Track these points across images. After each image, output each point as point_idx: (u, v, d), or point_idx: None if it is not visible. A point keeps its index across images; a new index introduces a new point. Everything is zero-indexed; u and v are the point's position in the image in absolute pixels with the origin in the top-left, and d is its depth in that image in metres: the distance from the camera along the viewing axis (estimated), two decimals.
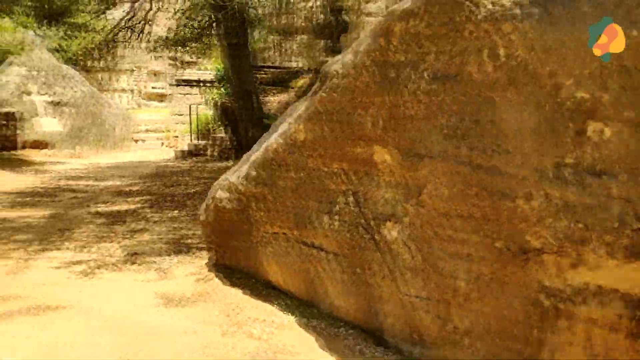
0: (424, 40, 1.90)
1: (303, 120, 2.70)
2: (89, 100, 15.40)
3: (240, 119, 8.40)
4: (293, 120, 2.81)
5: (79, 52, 23.37)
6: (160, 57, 23.91)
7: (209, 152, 14.21)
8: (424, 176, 2.16)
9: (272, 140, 3.11)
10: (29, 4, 16.99)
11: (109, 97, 18.57)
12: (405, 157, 2.21)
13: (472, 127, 1.86)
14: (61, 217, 7.00)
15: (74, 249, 5.51)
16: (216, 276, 4.65)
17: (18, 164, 11.42)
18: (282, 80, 10.72)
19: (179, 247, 5.74)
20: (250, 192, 3.59)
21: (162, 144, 16.98)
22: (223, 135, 14.35)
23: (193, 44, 9.40)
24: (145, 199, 8.35)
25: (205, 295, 4.31)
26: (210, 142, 14.23)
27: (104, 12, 24.83)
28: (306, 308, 3.79)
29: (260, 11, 9.47)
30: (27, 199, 8.14)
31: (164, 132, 17.67)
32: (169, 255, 5.44)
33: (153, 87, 24.00)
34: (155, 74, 24.02)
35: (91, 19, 23.58)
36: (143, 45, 10.63)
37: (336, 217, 3.01)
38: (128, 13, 9.53)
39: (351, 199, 2.86)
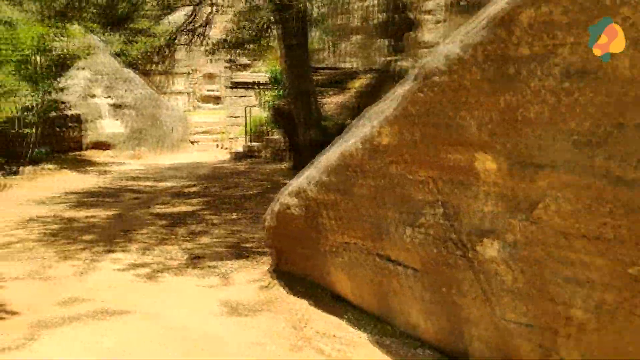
0: (558, 29, 1.61)
1: (389, 123, 2.46)
2: (149, 103, 15.86)
3: (298, 120, 8.24)
4: (376, 124, 2.57)
5: (139, 56, 24.34)
6: (216, 60, 24.43)
7: (263, 154, 14.25)
8: (540, 189, 1.85)
9: (349, 144, 2.88)
10: (94, 10, 17.82)
11: (166, 100, 19.11)
12: (516, 167, 1.92)
13: (612, 133, 1.55)
14: (124, 218, 7.12)
15: (137, 251, 5.53)
16: (279, 284, 4.49)
17: (83, 165, 11.88)
18: (338, 81, 10.51)
19: (240, 252, 5.64)
20: (321, 198, 3.38)
21: (217, 145, 17.23)
22: (277, 137, 14.35)
23: (251, 46, 9.38)
24: (203, 200, 8.39)
25: (269, 304, 4.15)
26: (264, 143, 14.26)
27: (162, 18, 25.72)
28: (378, 324, 3.54)
29: (319, 11, 9.30)
30: (92, 199, 8.37)
31: (219, 133, 17.94)
32: (229, 259, 5.35)
33: (208, 90, 24.54)
34: (210, 77, 24.54)
35: (151, 24, 24.55)
36: (202, 48, 10.69)
37: (420, 229, 2.74)
38: (190, 16, 9.61)
39: (440, 210, 2.58)
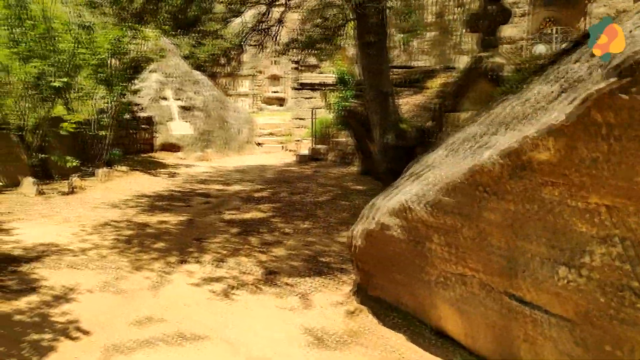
0: None
1: (554, 133, 1.86)
2: (216, 105, 15.93)
3: (373, 123, 7.68)
4: (532, 133, 1.98)
5: (206, 58, 24.86)
6: (282, 61, 24.40)
7: (329, 157, 13.83)
8: None
9: (483, 158, 2.30)
10: (166, 14, 18.21)
11: (233, 102, 19.22)
12: None
13: None
14: (196, 224, 6.90)
15: (210, 263, 5.23)
16: (368, 311, 3.98)
17: (153, 166, 12.00)
18: (413, 80, 9.84)
19: (317, 267, 5.19)
20: (434, 221, 2.82)
21: (283, 147, 17.04)
22: (343, 139, 13.88)
23: (323, 45, 8.97)
24: (273, 207, 8.05)
25: (359, 335, 3.65)
26: (330, 146, 13.84)
27: (230, 20, 26.10)
28: None
29: (399, 6, 8.75)
30: (164, 202, 8.28)
31: (284, 135, 17.76)
32: (307, 275, 4.91)
33: (273, 92, 24.56)
34: (274, 79, 24.55)
35: (220, 27, 24.99)
36: (273, 48, 10.40)
37: (581, 271, 2.11)
38: (263, 15, 9.35)
39: (616, 250, 1.94)
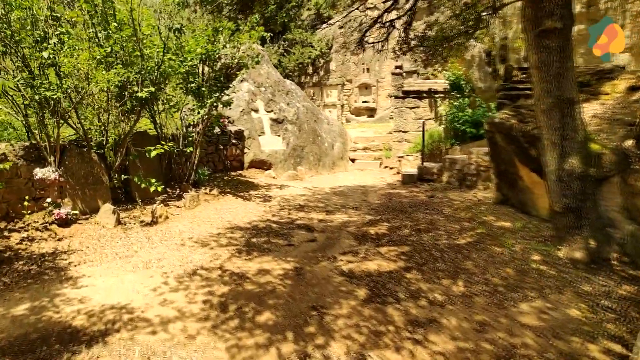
0: None
1: None
2: (309, 117, 14.38)
3: (548, 141, 5.54)
4: None
5: (294, 67, 23.64)
6: (373, 68, 22.60)
7: (444, 178, 11.66)
8: None
9: None
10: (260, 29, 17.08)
11: (326, 113, 17.66)
12: None
13: None
14: (307, 278, 5.14)
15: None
16: None
17: (244, 187, 10.58)
18: (582, 84, 7.49)
19: None
20: None
21: (380, 164, 15.11)
22: (460, 156, 11.67)
23: (462, 40, 6.98)
24: (402, 251, 6.11)
25: None
26: (444, 165, 11.66)
27: (319, 27, 24.79)
28: None
29: None
30: (262, 239, 6.66)
31: (380, 150, 15.82)
32: None
33: (363, 102, 22.79)
34: (365, 87, 22.78)
35: (310, 34, 23.73)
36: (390, 47, 8.56)
37: None
38: (391, 4, 7.54)
39: None
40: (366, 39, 7.94)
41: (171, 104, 9.29)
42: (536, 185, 7.58)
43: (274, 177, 12.11)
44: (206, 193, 9.09)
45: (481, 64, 12.52)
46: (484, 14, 6.72)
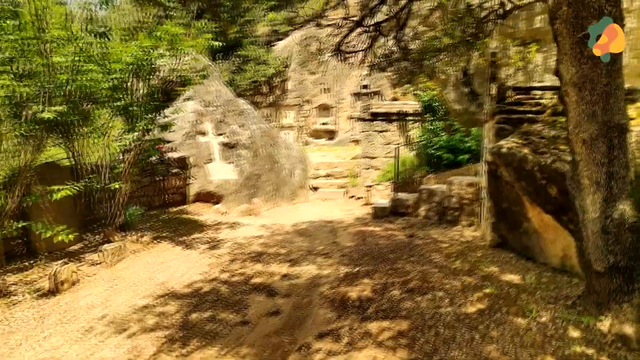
0: None
1: None
2: (266, 141, 12.69)
3: (588, 180, 4.19)
4: None
5: (247, 86, 21.95)
6: (333, 89, 21.30)
7: (421, 211, 10.25)
8: None
9: None
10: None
11: (284, 136, 16.04)
12: None
13: None
14: None
15: None
16: None
17: (187, 229, 8.68)
18: None
19: None
20: None
21: (346, 193, 13.59)
22: (437, 186, 10.34)
23: (463, 49, 5.63)
24: (398, 330, 4.50)
25: None
26: (421, 196, 10.27)
27: (274, 44, 23.33)
28: None
29: None
30: (205, 314, 4.86)
31: (345, 177, 14.32)
32: None
33: (322, 123, 21.39)
34: (324, 109, 21.42)
35: (265, 51, 22.17)
36: (371, 59, 7.06)
37: None
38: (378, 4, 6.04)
39: None
40: (342, 47, 6.40)
41: (92, 127, 7.35)
42: (548, 228, 6.24)
43: (224, 213, 10.28)
44: (135, 241, 7.16)
45: (457, 84, 11.40)
46: (487, 19, 5.46)
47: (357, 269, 6.56)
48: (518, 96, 7.59)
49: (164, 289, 5.54)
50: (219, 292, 5.54)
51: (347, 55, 6.29)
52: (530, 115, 6.78)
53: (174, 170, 10.11)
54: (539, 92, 7.82)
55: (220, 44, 8.17)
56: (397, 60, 6.31)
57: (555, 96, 7.55)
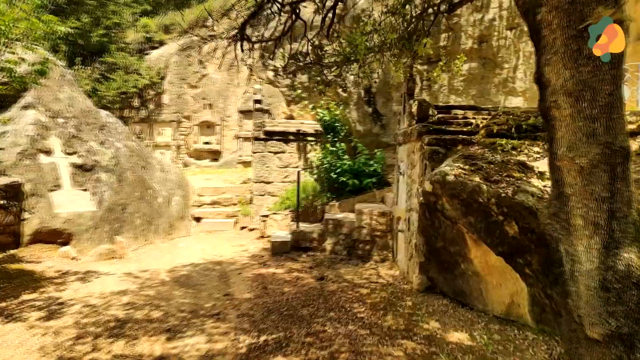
0: None
1: None
2: (135, 162, 10.33)
3: (587, 219, 3.12)
4: None
5: (115, 98, 18.91)
6: (216, 105, 19.27)
7: (327, 245, 8.86)
8: None
9: None
10: (62, 37, 12.37)
11: (160, 157, 13.60)
12: None
13: None
14: None
15: None
16: None
17: (14, 287, 6.12)
18: (529, 128, 5.60)
19: None
20: None
21: (236, 223, 11.70)
22: (344, 216, 9.08)
23: (402, 48, 4.39)
24: None
25: None
26: (329, 228, 8.90)
27: (148, 52, 20.59)
28: None
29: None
30: None
31: (235, 204, 12.43)
32: None
33: (205, 142, 19.22)
34: (207, 126, 19.29)
35: (137, 59, 19.30)
36: (280, 56, 5.46)
37: None
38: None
39: None
40: (247, 32, 4.70)
41: None
42: (494, 271, 5.21)
43: (74, 258, 7.76)
44: None
45: (360, 102, 10.41)
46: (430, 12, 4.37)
47: (263, 337, 4.82)
48: (440, 115, 6.65)
49: None
50: None
51: (253, 42, 4.63)
52: (463, 137, 5.80)
53: (2, 202, 7.37)
54: (460, 111, 6.99)
55: (69, 29, 5.97)
56: (310, 63, 4.87)
57: (480, 116, 6.76)
